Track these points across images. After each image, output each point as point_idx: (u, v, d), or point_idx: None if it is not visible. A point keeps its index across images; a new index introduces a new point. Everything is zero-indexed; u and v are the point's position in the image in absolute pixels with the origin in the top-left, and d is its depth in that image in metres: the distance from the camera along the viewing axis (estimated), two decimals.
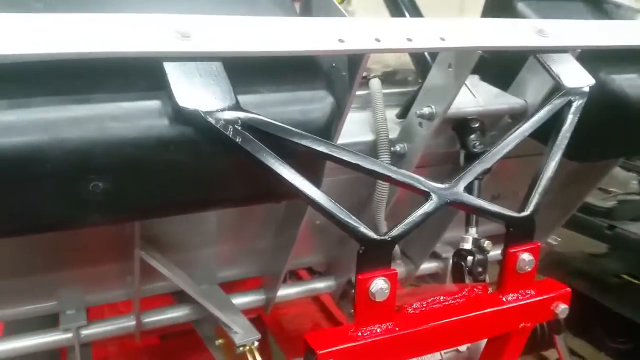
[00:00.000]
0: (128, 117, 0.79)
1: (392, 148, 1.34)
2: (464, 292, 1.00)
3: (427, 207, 0.89)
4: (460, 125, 1.34)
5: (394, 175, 0.89)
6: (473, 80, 1.35)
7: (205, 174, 0.85)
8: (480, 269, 1.22)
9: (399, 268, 1.76)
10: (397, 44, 0.98)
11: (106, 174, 0.79)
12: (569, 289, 1.03)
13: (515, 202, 1.81)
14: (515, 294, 0.99)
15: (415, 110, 1.26)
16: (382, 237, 0.86)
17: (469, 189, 0.97)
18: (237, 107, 0.81)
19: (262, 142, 0.81)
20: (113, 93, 0.80)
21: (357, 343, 0.85)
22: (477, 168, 0.97)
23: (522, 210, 0.99)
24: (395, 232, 0.87)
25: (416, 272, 1.83)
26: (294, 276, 2.15)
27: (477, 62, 1.23)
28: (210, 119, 0.78)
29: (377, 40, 0.96)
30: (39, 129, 0.75)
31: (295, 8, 1.12)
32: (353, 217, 0.85)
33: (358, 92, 1.44)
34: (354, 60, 1.01)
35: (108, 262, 1.38)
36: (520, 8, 1.39)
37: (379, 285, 0.85)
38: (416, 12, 1.57)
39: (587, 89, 1.12)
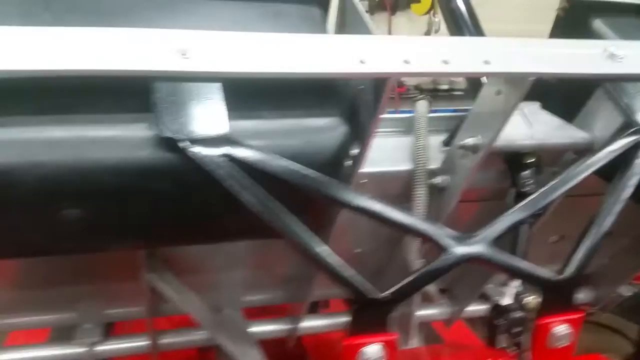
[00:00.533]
0: (109, 142, 0.72)
1: (432, 180, 1.20)
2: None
3: (439, 263, 0.76)
4: (513, 160, 1.18)
5: (404, 221, 0.76)
6: (532, 109, 1.18)
7: (189, 207, 0.76)
8: (518, 329, 1.05)
9: (440, 308, 1.59)
10: (430, 67, 0.86)
11: (81, 200, 0.72)
12: None
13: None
14: None
15: (458, 141, 1.12)
16: (380, 297, 0.73)
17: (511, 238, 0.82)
18: (226, 137, 0.71)
19: (251, 178, 0.71)
20: (96, 114, 0.73)
21: None
22: (512, 217, 0.82)
23: (562, 271, 0.82)
24: (394, 291, 0.74)
25: (460, 315, 1.66)
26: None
27: (539, 88, 1.07)
28: (194, 150, 0.69)
29: (406, 62, 0.84)
30: (11, 150, 0.69)
31: (325, 24, 1.02)
32: (351, 269, 0.73)
33: (404, 115, 1.32)
34: (378, 84, 0.89)
35: (124, 279, 1.34)
36: (596, 26, 1.21)
37: (372, 352, 0.72)
38: (479, 33, 1.42)
39: None
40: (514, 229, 0.83)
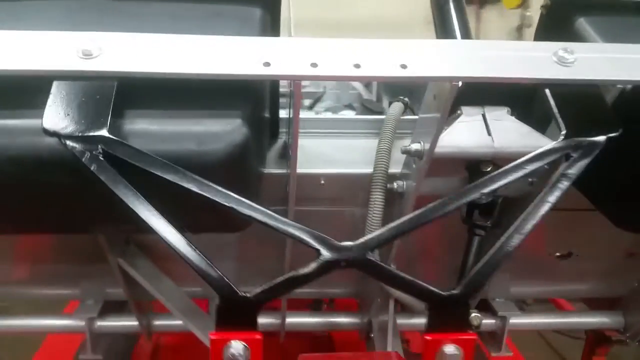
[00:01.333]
0: (6, 133, 0.79)
1: (391, 184, 1.17)
2: None
3: (310, 267, 0.75)
4: (472, 167, 1.11)
5: (274, 224, 0.76)
6: (497, 115, 1.11)
7: (69, 196, 0.82)
8: None
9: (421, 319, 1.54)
10: (339, 71, 0.84)
11: None
12: None
13: (591, 262, 1.51)
14: None
15: (403, 146, 1.08)
16: (245, 296, 0.74)
17: None
18: (101, 136, 0.76)
19: (121, 172, 0.75)
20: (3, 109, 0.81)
21: None
22: (397, 228, 0.79)
23: (455, 287, 0.78)
24: (261, 291, 0.74)
25: None
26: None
27: (514, 93, 1.01)
28: (68, 143, 0.75)
29: (314, 65, 0.84)
30: None
31: (266, 24, 1.03)
32: (214, 267, 0.75)
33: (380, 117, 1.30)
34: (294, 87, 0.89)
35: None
36: (579, 25, 1.11)
37: (234, 350, 0.74)
38: (467, 35, 1.36)
39: (601, 140, 0.84)
40: (394, 238, 0.80)
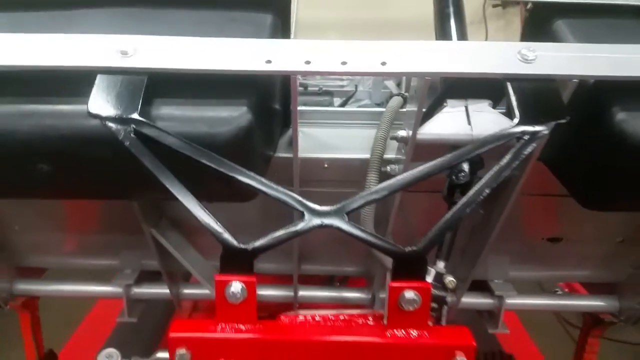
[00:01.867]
0: (61, 116, 1.00)
1: (385, 168, 1.34)
2: (354, 318, 0.99)
3: (298, 226, 0.93)
4: None
5: (268, 191, 0.95)
6: (478, 107, 1.25)
7: (111, 167, 1.02)
8: (433, 305, 1.16)
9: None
10: (328, 67, 1.02)
11: (46, 159, 1.02)
12: (473, 343, 0.94)
13: (582, 248, 1.63)
14: (402, 332, 0.95)
15: (393, 134, 1.25)
16: (242, 246, 0.93)
17: None
18: (133, 118, 0.96)
19: (148, 147, 0.95)
20: (56, 96, 1.02)
21: (205, 335, 0.94)
22: (369, 196, 0.96)
23: (415, 245, 0.94)
24: (257, 244, 0.93)
25: (458, 304, 1.73)
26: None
27: (498, 87, 1.16)
28: (107, 123, 0.95)
29: (307, 62, 1.01)
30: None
31: (276, 28, 1.21)
32: (219, 224, 0.94)
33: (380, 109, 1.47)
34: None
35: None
36: (556, 27, 1.25)
37: (234, 289, 0.92)
38: (463, 37, 1.51)
39: (549, 126, 0.99)
40: (366, 204, 0.96)
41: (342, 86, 2.68)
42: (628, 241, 1.66)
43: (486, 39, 4.33)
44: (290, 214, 1.29)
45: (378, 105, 2.38)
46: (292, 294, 1.76)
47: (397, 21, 4.03)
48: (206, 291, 1.75)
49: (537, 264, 1.78)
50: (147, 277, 1.80)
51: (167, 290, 1.75)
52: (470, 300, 1.76)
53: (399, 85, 2.46)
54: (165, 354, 1.56)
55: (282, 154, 1.35)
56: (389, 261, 1.36)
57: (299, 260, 1.65)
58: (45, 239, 1.75)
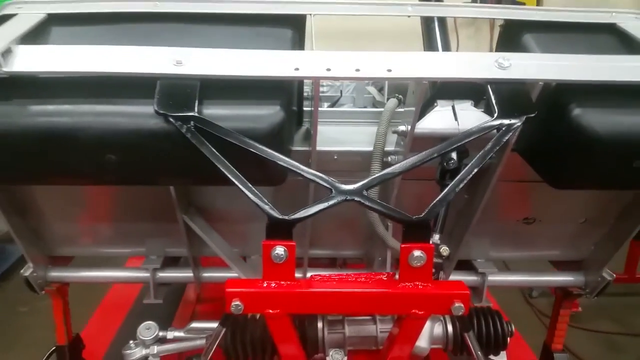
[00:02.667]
0: (130, 115, 1.22)
1: (387, 158, 1.58)
2: (371, 275, 1.23)
3: (328, 200, 1.16)
4: None
5: (303, 173, 1.18)
6: (463, 106, 1.51)
7: (174, 157, 1.24)
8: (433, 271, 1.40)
9: None
10: (345, 73, 1.26)
11: (115, 150, 1.23)
12: (467, 292, 1.19)
13: (553, 228, 1.88)
14: (411, 284, 1.19)
15: (394, 129, 1.49)
16: (283, 217, 1.16)
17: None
18: (193, 115, 1.18)
19: (205, 138, 1.17)
20: (125, 98, 1.24)
21: (255, 290, 1.16)
22: (384, 175, 1.20)
23: (420, 214, 1.18)
24: (295, 215, 1.16)
25: (447, 279, 1.97)
26: None
27: (478, 90, 1.40)
28: (171, 120, 1.17)
29: (328, 69, 1.25)
30: (77, 116, 1.22)
31: (295, 41, 1.45)
32: (263, 199, 1.16)
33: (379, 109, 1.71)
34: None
35: (171, 220, 1.84)
36: (525, 41, 1.51)
37: (278, 251, 1.15)
38: (447, 48, 1.77)
39: (521, 119, 1.24)
40: (379, 183, 1.20)
41: (324, 92, 2.95)
42: (590, 222, 1.93)
43: (457, 46, 4.65)
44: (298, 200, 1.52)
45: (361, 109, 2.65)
46: (301, 275, 1.98)
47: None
48: (223, 274, 1.96)
49: (515, 244, 2.04)
50: (169, 262, 2.01)
51: (188, 274, 1.96)
52: (458, 277, 2.01)
53: (380, 90, 2.73)
54: (199, 324, 1.78)
55: (297, 147, 1.59)
56: (391, 240, 1.61)
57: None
58: (77, 229, 1.94)
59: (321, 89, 2.98)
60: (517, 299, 4.40)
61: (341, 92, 2.90)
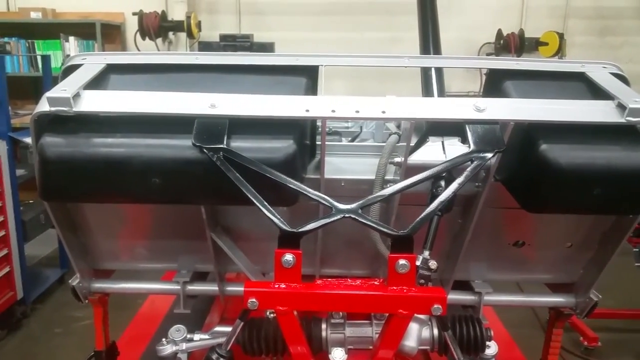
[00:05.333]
0: (172, 147, 1.52)
1: (386, 185, 1.84)
2: (366, 281, 1.47)
3: (329, 217, 1.43)
4: None
5: (309, 194, 1.45)
6: (452, 142, 1.77)
7: (206, 181, 1.53)
8: (421, 281, 1.63)
9: None
10: (347, 114, 1.54)
11: (159, 175, 1.52)
12: (445, 295, 1.42)
13: (542, 253, 2.09)
14: (397, 288, 1.43)
15: (390, 160, 1.76)
16: (292, 230, 1.42)
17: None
18: (222, 147, 1.47)
19: (232, 166, 1.45)
20: (168, 133, 1.54)
21: (268, 289, 1.42)
22: (377, 197, 1.46)
23: (405, 229, 1.43)
24: (302, 229, 1.42)
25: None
26: None
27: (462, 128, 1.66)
28: (205, 151, 1.46)
29: (333, 111, 1.53)
30: (130, 147, 1.52)
31: (309, 88, 1.74)
32: (275, 214, 1.43)
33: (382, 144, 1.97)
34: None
35: (200, 238, 2.09)
36: (505, 86, 1.78)
37: (287, 258, 1.41)
38: (442, 93, 2.04)
39: (491, 153, 1.49)
40: (375, 202, 1.46)
41: (348, 127, 3.25)
42: (576, 247, 2.13)
43: (480, 86, 4.96)
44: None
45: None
46: None
47: None
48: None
49: (509, 267, 2.25)
50: (198, 277, 2.27)
51: (214, 288, 2.22)
52: (457, 296, 2.22)
53: (398, 127, 3.01)
54: (222, 328, 2.04)
55: (310, 175, 1.86)
56: (384, 249, 1.85)
57: (320, 263, 2.13)
58: (118, 246, 2.23)
59: (346, 124, 3.32)
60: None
61: (361, 127, 3.21)
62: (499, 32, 8.16)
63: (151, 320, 2.72)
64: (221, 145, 1.47)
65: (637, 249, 3.77)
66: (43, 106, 1.52)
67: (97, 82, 1.68)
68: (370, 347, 1.76)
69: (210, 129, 1.50)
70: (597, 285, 2.14)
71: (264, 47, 7.53)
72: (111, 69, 1.75)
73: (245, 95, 1.56)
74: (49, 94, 1.51)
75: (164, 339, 2.01)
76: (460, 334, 1.81)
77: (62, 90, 1.53)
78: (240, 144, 1.52)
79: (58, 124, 1.56)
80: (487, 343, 1.85)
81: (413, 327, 1.68)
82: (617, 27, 8.38)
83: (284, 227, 1.42)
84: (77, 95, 1.54)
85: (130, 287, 2.29)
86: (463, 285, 2.25)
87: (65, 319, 5.02)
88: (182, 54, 1.75)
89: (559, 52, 8.31)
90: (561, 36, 8.10)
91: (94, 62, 1.75)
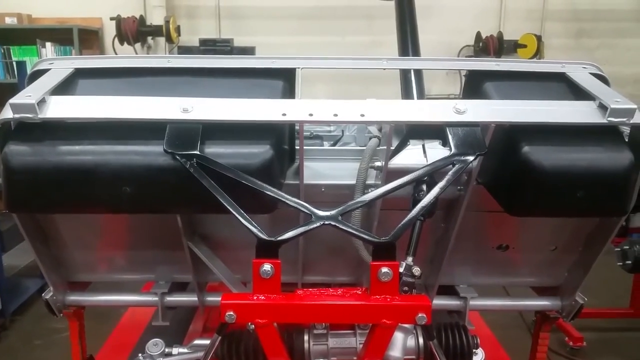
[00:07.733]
0: (143, 153, 1.45)
1: (367, 190, 1.79)
2: (347, 290, 1.42)
3: (308, 224, 1.37)
4: None
5: (287, 201, 1.40)
6: (432, 145, 1.73)
7: (180, 189, 1.46)
8: (405, 288, 1.58)
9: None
10: (325, 117, 1.49)
11: (130, 183, 1.46)
12: (429, 304, 1.38)
13: (527, 256, 2.06)
14: (380, 297, 1.38)
15: (371, 165, 1.71)
16: (270, 238, 1.36)
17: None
18: (195, 154, 1.41)
19: (205, 171, 1.39)
20: (139, 140, 1.47)
21: (246, 302, 1.36)
22: (357, 203, 1.41)
23: (387, 236, 1.38)
24: (280, 237, 1.37)
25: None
26: None
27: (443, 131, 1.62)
28: (178, 158, 1.40)
29: (310, 114, 1.48)
30: (99, 155, 1.45)
31: (285, 91, 1.69)
32: (251, 222, 1.37)
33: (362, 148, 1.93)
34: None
35: (177, 248, 2.03)
36: (485, 88, 1.74)
37: (265, 268, 1.35)
38: (421, 95, 2.00)
39: (472, 156, 1.45)
40: (354, 209, 1.41)
41: (330, 131, 3.20)
42: (560, 250, 2.11)
43: (461, 87, 4.97)
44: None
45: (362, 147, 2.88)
46: None
47: None
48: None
49: (494, 271, 2.21)
50: (177, 287, 2.20)
51: (193, 299, 2.15)
52: (442, 302, 2.18)
53: (380, 130, 2.97)
54: (202, 341, 1.97)
55: (289, 181, 1.80)
56: (367, 256, 1.80)
57: (303, 271, 2.08)
58: (93, 257, 2.15)
59: (328, 128, 3.27)
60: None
61: (343, 131, 3.16)
62: (478, 35, 8.21)
63: (132, 332, 2.63)
64: (194, 152, 1.41)
65: (619, 249, 3.78)
66: (6, 113, 1.45)
67: (65, 88, 1.61)
68: (354, 358, 1.71)
69: (183, 134, 1.43)
70: (582, 287, 2.13)
71: (245, 51, 7.47)
72: (79, 73, 1.68)
73: (219, 99, 1.51)
74: (12, 100, 1.44)
75: (140, 355, 1.93)
76: (446, 343, 1.77)
77: (26, 96, 1.46)
78: (214, 150, 1.46)
79: (23, 132, 1.48)
80: (474, 351, 1.80)
81: (398, 336, 1.63)
82: (593, 29, 8.48)
83: (261, 235, 1.36)
84: (42, 101, 1.47)
85: (106, 300, 2.21)
86: (448, 290, 2.21)
87: (46, 330, 4.90)
88: (154, 57, 1.68)
89: (537, 54, 8.40)
90: (539, 38, 8.17)
91: (62, 66, 1.68)
